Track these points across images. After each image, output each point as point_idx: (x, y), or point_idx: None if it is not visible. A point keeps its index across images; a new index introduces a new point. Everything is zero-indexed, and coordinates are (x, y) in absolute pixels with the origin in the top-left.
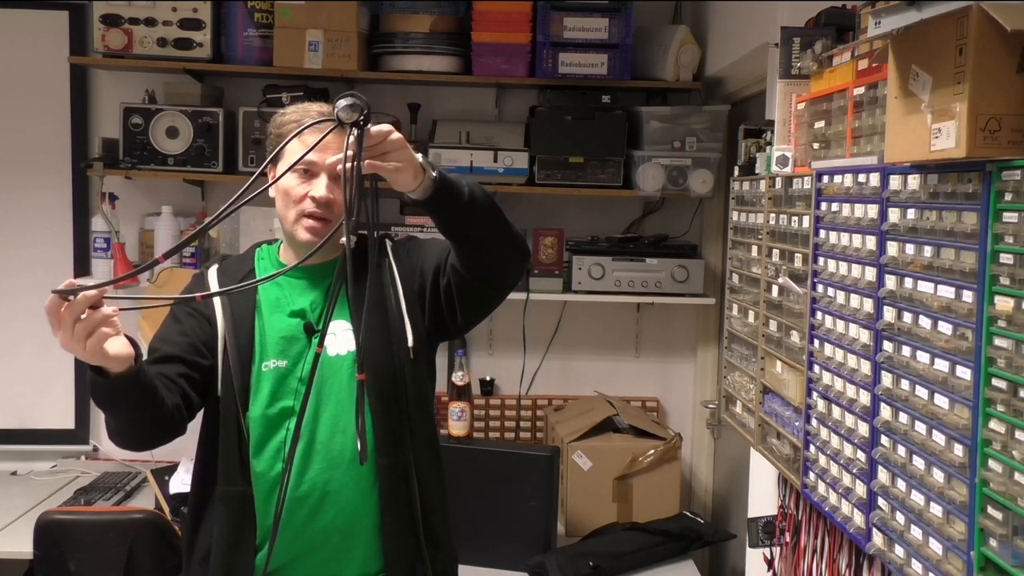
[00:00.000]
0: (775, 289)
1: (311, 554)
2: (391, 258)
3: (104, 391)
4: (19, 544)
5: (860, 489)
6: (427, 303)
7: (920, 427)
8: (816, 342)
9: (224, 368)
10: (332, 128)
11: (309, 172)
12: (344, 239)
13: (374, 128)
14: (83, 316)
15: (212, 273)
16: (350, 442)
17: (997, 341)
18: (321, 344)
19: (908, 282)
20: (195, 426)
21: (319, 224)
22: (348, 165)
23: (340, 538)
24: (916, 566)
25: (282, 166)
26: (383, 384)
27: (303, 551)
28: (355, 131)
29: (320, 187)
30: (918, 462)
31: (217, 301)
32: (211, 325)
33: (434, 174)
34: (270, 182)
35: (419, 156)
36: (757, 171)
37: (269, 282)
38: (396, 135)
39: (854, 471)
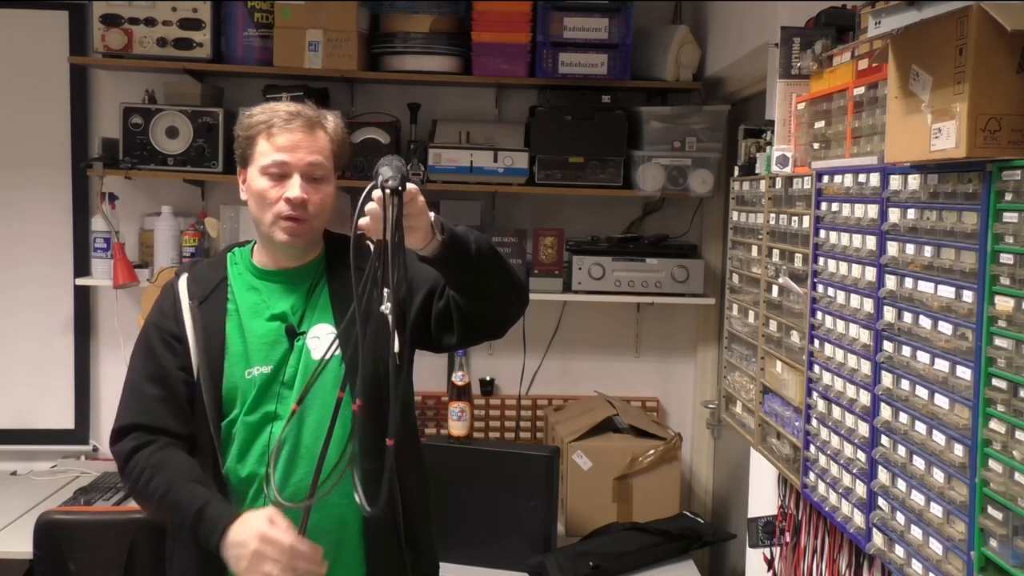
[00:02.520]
0: (775, 289)
1: None
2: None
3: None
4: (19, 544)
5: (860, 489)
6: (413, 316)
7: (920, 427)
8: (816, 342)
9: (196, 383)
10: (371, 187)
11: (282, 174)
12: (384, 307)
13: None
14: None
15: (182, 283)
16: (334, 450)
17: (997, 341)
18: (301, 401)
19: (908, 282)
20: None
21: (296, 224)
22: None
23: (328, 543)
24: (916, 566)
25: (252, 168)
26: (369, 391)
27: None
28: (396, 198)
29: (295, 188)
30: (918, 462)
31: (187, 316)
32: (182, 343)
33: (443, 236)
34: (242, 183)
35: (432, 215)
36: (757, 171)
37: (245, 288)
38: (420, 199)
39: (854, 471)
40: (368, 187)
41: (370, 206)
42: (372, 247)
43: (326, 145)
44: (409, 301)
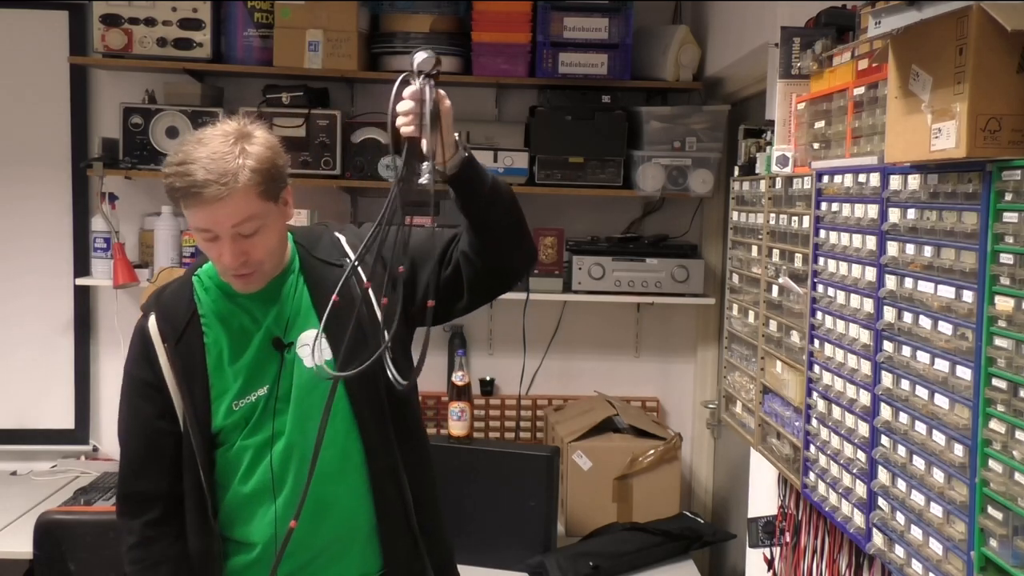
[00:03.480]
0: (775, 289)
1: (312, 563)
2: (351, 256)
3: None
4: (19, 544)
5: (860, 489)
6: (421, 292)
7: (920, 427)
8: (816, 342)
9: (184, 426)
10: (404, 75)
11: (212, 238)
12: (425, 179)
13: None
14: None
15: (152, 325)
16: (338, 453)
17: (997, 341)
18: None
19: (908, 282)
20: None
21: (244, 279)
22: (425, 109)
23: (339, 545)
24: (916, 566)
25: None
26: (366, 390)
27: (304, 562)
28: (431, 80)
29: (226, 254)
30: (918, 462)
31: (163, 361)
32: (161, 391)
33: (465, 153)
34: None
35: (456, 135)
36: (757, 171)
37: (221, 316)
38: (447, 102)
39: (854, 471)
40: (401, 75)
41: (403, 105)
42: (405, 146)
43: (244, 201)
44: (413, 279)
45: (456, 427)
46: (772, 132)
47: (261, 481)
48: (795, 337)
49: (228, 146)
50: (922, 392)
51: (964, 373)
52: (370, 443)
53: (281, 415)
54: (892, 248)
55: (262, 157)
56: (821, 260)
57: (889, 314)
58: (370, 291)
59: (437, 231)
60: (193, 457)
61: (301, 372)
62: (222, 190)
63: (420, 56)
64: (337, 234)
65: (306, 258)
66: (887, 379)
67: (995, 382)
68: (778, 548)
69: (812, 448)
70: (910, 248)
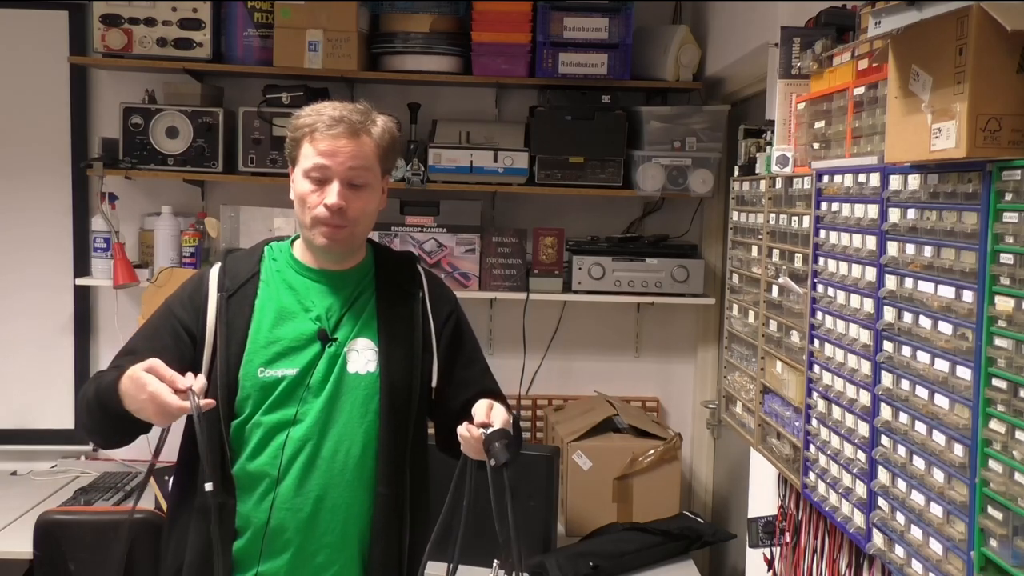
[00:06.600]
0: (775, 289)
1: (296, 570)
2: (426, 295)
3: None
4: (19, 544)
5: (860, 489)
6: (437, 382)
7: (920, 427)
8: (816, 342)
9: (208, 378)
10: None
11: (322, 179)
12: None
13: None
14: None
15: (214, 274)
16: (353, 462)
17: (997, 341)
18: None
19: (908, 282)
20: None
21: (335, 230)
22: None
23: (325, 556)
24: (916, 566)
25: (297, 169)
26: (397, 415)
27: (289, 564)
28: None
29: (332, 194)
30: (918, 462)
31: (212, 308)
32: (193, 338)
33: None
34: (291, 184)
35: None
36: (757, 171)
37: (281, 286)
38: (508, 430)
39: (854, 471)
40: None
41: (463, 438)
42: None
43: (370, 151)
44: (449, 378)
45: None
46: (772, 132)
47: (268, 463)
48: (795, 337)
49: (360, 113)
50: (922, 392)
51: (964, 373)
52: (386, 468)
53: (305, 404)
54: (892, 248)
55: (387, 129)
56: (821, 260)
57: (889, 314)
58: (432, 329)
59: (489, 377)
60: (215, 412)
61: (342, 373)
62: (356, 128)
63: (496, 447)
64: (420, 268)
65: (384, 276)
66: (887, 379)
67: (995, 382)
68: (778, 548)
69: (812, 448)
70: (910, 248)
